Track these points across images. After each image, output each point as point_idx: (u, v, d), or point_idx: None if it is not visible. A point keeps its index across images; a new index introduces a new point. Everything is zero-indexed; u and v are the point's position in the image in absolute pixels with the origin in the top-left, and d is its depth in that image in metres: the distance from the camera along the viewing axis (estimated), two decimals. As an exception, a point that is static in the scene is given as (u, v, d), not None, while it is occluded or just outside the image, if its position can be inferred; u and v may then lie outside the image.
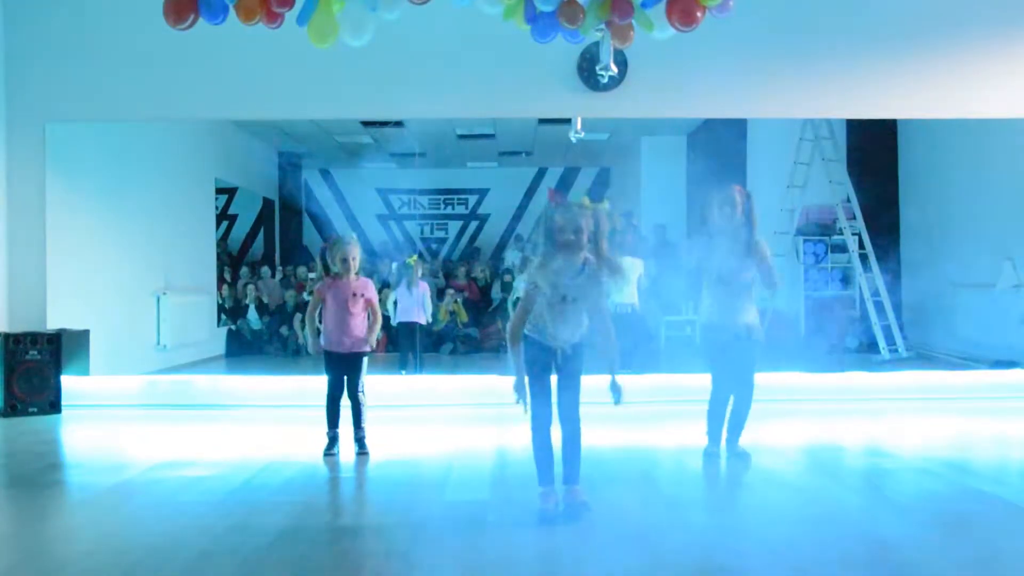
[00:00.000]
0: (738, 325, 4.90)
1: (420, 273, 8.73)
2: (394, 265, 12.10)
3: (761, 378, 7.13)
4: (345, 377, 5.27)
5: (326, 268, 5.28)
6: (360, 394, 5.29)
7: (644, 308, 8.44)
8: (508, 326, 3.99)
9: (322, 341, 5.28)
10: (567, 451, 3.96)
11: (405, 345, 8.77)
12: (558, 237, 3.79)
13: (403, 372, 8.54)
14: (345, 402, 5.31)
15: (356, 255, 5.24)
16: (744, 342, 4.92)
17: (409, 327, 8.68)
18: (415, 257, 8.83)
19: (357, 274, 5.27)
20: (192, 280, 10.40)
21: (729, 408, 5.09)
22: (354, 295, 5.20)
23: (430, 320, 8.90)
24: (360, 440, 5.29)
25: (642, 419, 6.53)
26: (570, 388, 3.94)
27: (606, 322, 3.93)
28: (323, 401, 5.31)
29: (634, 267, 8.08)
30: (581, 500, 3.88)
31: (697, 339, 5.58)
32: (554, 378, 3.95)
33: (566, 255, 3.80)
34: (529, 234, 14.03)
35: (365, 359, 5.31)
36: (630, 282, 8.00)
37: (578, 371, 3.96)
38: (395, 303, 8.81)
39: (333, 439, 5.30)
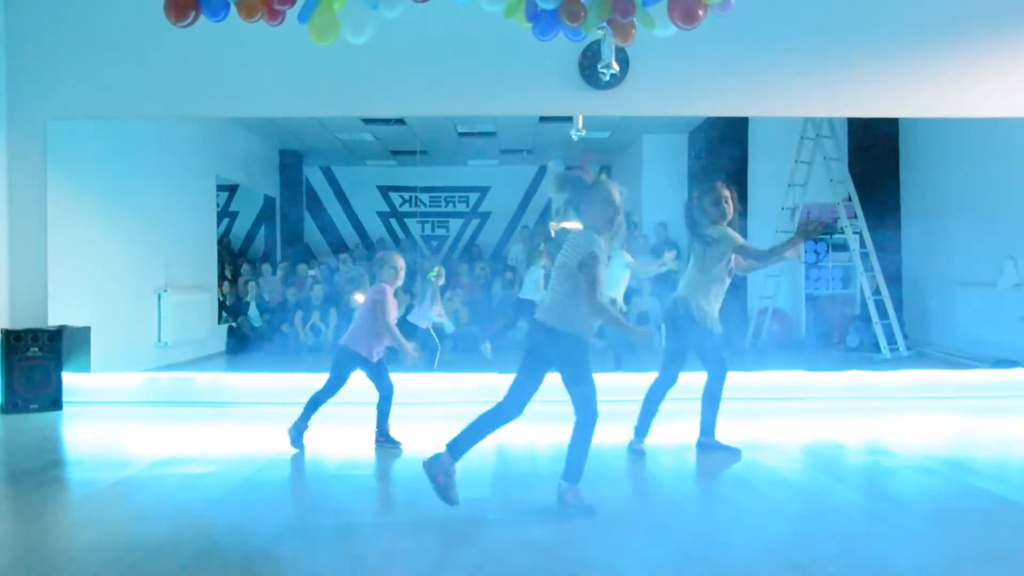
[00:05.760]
0: (697, 309, 5.02)
1: (441, 282, 7.97)
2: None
3: (761, 377, 7.17)
4: (374, 381, 5.41)
5: (372, 279, 5.48)
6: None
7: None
8: (596, 306, 3.85)
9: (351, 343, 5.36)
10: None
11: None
12: (611, 210, 3.92)
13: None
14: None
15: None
16: (697, 327, 5.03)
17: (414, 328, 8.59)
18: (437, 270, 7.85)
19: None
20: (193, 277, 10.40)
21: (702, 400, 5.24)
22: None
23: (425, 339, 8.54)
24: (387, 432, 5.46)
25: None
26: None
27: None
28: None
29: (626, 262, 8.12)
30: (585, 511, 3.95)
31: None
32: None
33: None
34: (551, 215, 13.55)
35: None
36: (623, 279, 8.04)
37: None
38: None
39: (300, 428, 5.37)
